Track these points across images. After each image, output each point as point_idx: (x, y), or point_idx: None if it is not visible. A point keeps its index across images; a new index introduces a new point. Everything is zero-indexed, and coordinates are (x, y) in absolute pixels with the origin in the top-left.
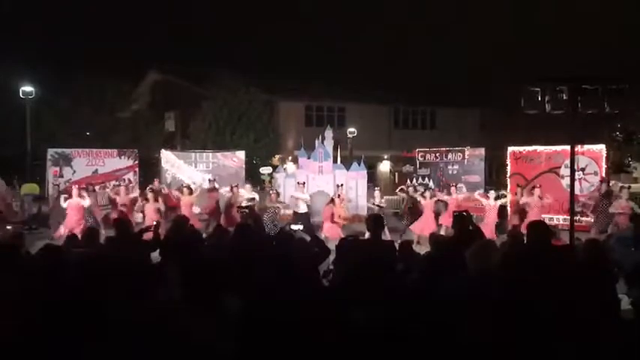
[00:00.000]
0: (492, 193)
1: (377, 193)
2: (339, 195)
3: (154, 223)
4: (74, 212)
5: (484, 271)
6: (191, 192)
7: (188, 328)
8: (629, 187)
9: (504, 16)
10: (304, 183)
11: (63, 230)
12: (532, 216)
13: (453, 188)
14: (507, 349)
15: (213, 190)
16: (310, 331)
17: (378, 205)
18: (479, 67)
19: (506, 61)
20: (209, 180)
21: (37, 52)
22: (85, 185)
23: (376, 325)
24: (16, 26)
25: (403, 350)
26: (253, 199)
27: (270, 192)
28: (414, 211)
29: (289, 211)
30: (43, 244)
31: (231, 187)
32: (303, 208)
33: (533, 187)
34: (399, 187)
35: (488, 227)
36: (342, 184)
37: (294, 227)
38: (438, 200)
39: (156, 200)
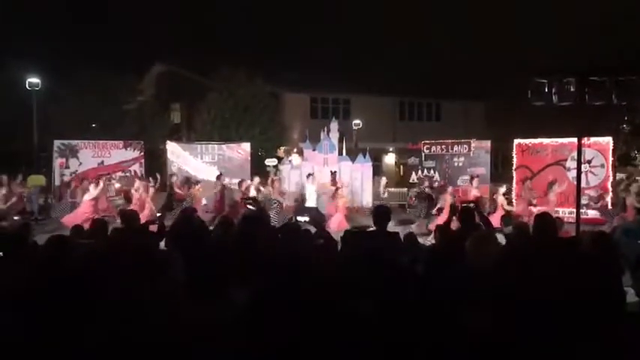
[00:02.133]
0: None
1: (383, 181)
2: (336, 188)
3: (158, 214)
4: (88, 207)
5: (483, 263)
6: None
7: (193, 318)
8: None
9: (510, 8)
10: (312, 174)
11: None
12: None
13: (475, 180)
14: (511, 342)
15: (220, 186)
16: (315, 323)
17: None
18: (484, 59)
19: (511, 52)
20: (217, 177)
21: (42, 44)
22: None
23: (381, 317)
24: (21, 18)
25: (407, 341)
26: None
27: (273, 179)
28: (429, 201)
29: (291, 203)
30: (49, 234)
31: (240, 183)
32: (310, 202)
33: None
34: (417, 186)
35: (495, 219)
36: (335, 171)
37: (300, 219)
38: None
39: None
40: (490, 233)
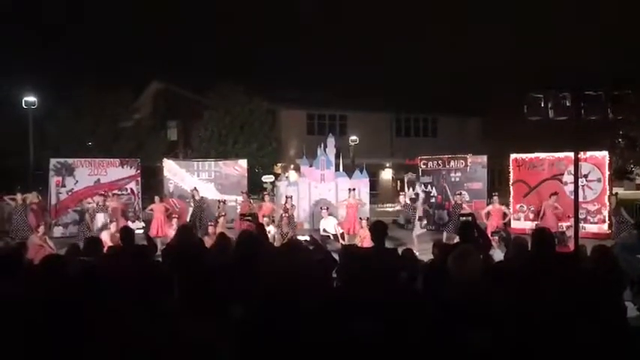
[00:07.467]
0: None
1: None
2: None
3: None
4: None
5: (464, 279)
6: None
7: (189, 334)
8: None
9: (506, 23)
10: (328, 208)
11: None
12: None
13: (495, 197)
14: (511, 357)
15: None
16: (312, 339)
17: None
18: (480, 74)
19: (508, 68)
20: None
21: (39, 62)
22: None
23: (377, 333)
24: (18, 36)
25: (405, 357)
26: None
27: (283, 215)
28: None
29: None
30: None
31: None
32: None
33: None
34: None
35: None
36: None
37: (300, 238)
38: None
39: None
40: (469, 247)
